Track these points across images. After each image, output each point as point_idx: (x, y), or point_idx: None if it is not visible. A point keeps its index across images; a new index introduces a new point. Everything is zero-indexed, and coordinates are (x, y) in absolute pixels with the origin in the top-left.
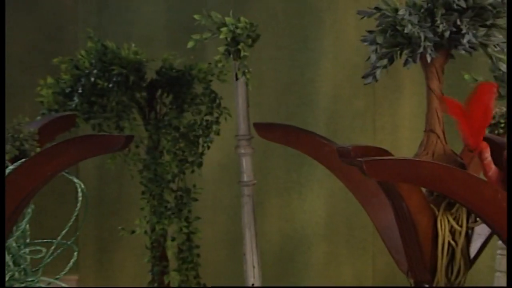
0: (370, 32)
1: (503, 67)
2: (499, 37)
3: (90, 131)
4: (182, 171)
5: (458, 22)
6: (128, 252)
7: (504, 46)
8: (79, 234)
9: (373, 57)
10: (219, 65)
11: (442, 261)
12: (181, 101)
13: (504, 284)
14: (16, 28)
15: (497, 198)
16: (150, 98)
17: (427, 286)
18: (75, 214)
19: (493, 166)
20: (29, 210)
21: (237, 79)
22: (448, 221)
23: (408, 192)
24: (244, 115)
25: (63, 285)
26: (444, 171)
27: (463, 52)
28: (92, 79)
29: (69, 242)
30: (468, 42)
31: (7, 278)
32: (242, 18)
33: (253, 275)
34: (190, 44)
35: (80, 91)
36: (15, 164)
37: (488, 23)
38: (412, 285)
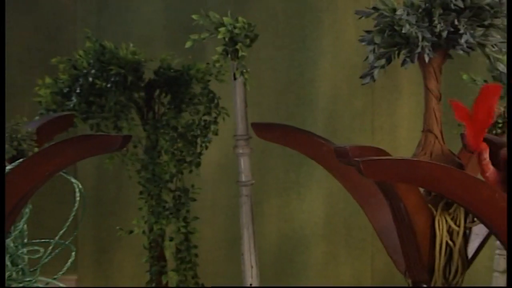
0: (368, 32)
1: (501, 67)
2: (497, 37)
3: (88, 131)
4: (180, 171)
5: (456, 22)
6: (126, 252)
7: (502, 46)
8: (78, 234)
9: (371, 57)
10: (217, 65)
11: (440, 261)
12: (179, 101)
13: (502, 284)
14: (15, 28)
15: (494, 198)
16: (148, 98)
17: (425, 286)
18: (73, 214)
19: (491, 167)
20: (27, 210)
21: (235, 79)
22: (446, 221)
23: (405, 192)
24: (242, 115)
25: (61, 285)
26: (442, 171)
27: (461, 52)
28: (90, 79)
29: (66, 242)
30: (466, 42)
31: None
32: (240, 18)
33: (251, 275)
34: (188, 44)
35: (78, 91)
36: (13, 164)
37: (486, 23)
38: (410, 285)
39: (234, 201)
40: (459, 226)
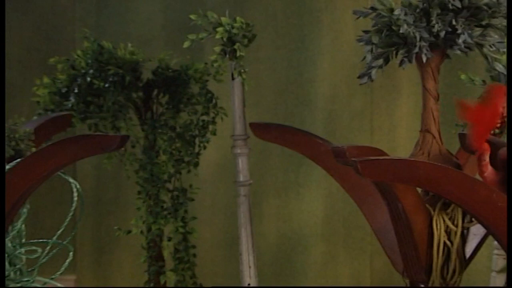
0: (366, 32)
1: (499, 67)
2: (495, 37)
3: (86, 131)
4: (178, 171)
5: (454, 22)
6: (125, 252)
7: (500, 46)
8: (76, 234)
9: (369, 57)
10: (215, 65)
11: (437, 261)
12: (177, 101)
13: (500, 284)
14: (14, 28)
15: (492, 199)
16: (146, 98)
17: (422, 286)
18: (71, 214)
19: (489, 167)
20: (25, 210)
21: (233, 79)
22: (444, 221)
23: (403, 192)
24: (240, 115)
25: (59, 285)
26: (439, 171)
27: (458, 52)
28: (88, 79)
29: (64, 242)
30: (464, 42)
31: None
32: (238, 18)
33: (249, 275)
34: (186, 44)
35: (76, 91)
36: (11, 164)
37: (483, 23)
38: (408, 285)
39: (232, 201)
40: (456, 226)
